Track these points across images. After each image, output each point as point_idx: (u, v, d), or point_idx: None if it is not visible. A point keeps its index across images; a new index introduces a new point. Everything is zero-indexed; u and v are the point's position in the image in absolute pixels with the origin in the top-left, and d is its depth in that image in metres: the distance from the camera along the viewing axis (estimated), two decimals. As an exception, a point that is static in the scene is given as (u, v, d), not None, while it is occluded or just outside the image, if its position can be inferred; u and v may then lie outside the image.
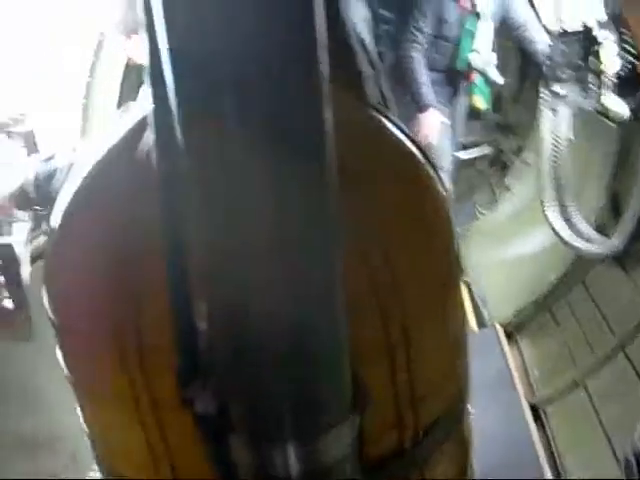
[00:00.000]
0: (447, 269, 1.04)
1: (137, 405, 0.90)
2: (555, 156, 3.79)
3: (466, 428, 1.15)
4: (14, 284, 2.50)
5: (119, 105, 3.83)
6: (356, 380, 0.81)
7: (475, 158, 6.21)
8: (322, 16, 0.61)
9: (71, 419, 1.07)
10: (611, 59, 3.01)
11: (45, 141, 2.98)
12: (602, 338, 3.37)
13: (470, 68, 4.40)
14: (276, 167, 0.64)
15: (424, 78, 4.30)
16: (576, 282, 3.80)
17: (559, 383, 3.46)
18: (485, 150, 6.13)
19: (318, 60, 0.62)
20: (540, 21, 4.22)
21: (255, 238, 0.65)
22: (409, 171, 1.02)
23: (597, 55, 3.07)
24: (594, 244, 3.55)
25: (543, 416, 3.47)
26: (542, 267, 4.13)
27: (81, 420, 1.03)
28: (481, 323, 4.24)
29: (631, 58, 2.96)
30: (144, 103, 0.80)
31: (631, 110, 3.22)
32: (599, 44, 3.05)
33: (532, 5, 4.41)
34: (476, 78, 4.47)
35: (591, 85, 3.16)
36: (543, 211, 3.87)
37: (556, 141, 3.75)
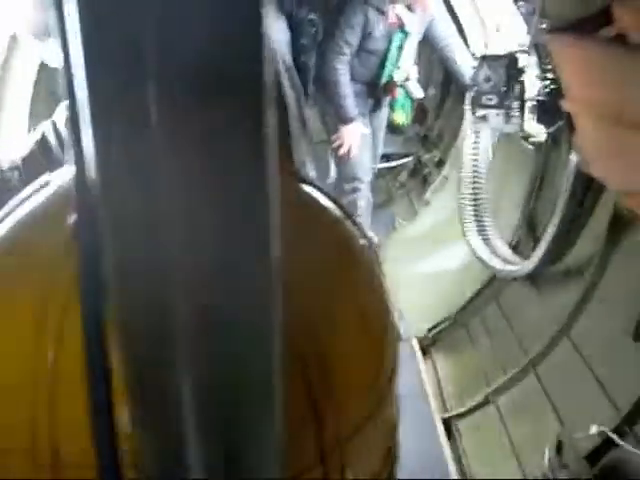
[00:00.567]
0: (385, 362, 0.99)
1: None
2: (475, 175, 3.85)
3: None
4: None
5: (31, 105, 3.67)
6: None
7: (395, 168, 6.28)
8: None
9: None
10: (532, 84, 3.08)
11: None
12: (514, 356, 3.45)
13: (393, 83, 4.45)
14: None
15: (348, 90, 4.31)
16: (490, 299, 3.88)
17: (471, 399, 3.51)
18: (406, 161, 6.21)
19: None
20: (467, 43, 4.31)
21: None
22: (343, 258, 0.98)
23: (520, 81, 3.13)
24: (509, 264, 3.62)
25: (455, 431, 3.51)
26: (458, 283, 4.20)
27: None
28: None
29: (552, 85, 3.04)
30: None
31: (549, 135, 3.31)
32: (522, 70, 3.12)
33: (460, 28, 4.49)
34: (398, 93, 4.52)
35: (514, 111, 3.23)
36: (462, 228, 3.93)
37: (476, 160, 3.81)
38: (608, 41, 1.96)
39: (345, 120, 4.35)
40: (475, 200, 3.87)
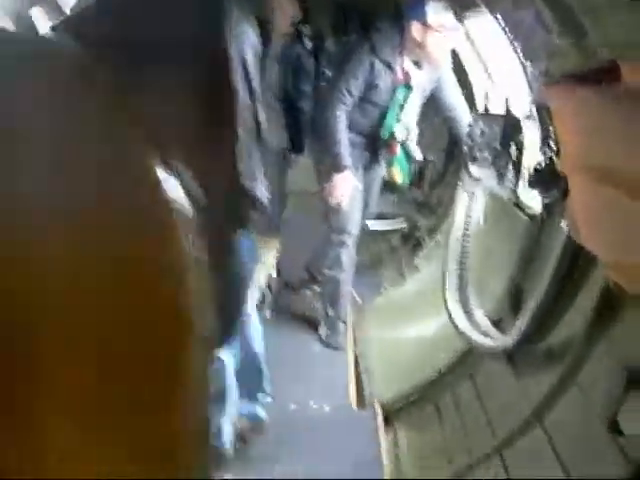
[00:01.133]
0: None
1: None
2: (464, 241, 3.66)
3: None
4: None
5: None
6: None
7: (389, 231, 6.11)
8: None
9: None
10: (531, 151, 2.91)
11: None
12: (482, 438, 3.19)
13: (393, 139, 4.31)
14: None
15: (344, 139, 4.16)
16: (464, 376, 3.63)
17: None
18: (400, 224, 6.04)
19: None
20: (474, 102, 4.18)
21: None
22: None
23: (518, 144, 2.96)
24: (488, 338, 3.39)
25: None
26: (433, 354, 3.95)
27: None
28: (361, 401, 4.00)
29: (551, 153, 2.86)
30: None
31: (544, 206, 3.12)
32: (520, 133, 2.95)
33: (465, 85, 4.38)
34: (398, 150, 4.37)
35: (508, 174, 3.05)
36: (443, 296, 3.71)
37: (467, 225, 3.62)
38: (602, 91, 1.80)
39: (338, 168, 4.19)
40: (460, 267, 3.66)
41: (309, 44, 4.78)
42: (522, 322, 3.00)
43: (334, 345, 4.57)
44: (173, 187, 0.83)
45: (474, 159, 3.15)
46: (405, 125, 4.29)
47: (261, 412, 3.45)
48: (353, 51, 4.23)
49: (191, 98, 1.01)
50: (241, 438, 3.38)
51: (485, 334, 3.45)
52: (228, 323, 1.17)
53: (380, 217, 6.26)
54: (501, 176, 3.06)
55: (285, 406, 3.80)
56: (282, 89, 4.67)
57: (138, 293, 0.75)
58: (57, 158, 0.72)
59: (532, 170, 2.95)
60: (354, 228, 4.46)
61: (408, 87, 4.24)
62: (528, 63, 3.01)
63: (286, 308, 5.02)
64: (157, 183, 0.80)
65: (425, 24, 4.00)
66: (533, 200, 3.27)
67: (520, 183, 3.04)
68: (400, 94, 4.23)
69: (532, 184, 2.97)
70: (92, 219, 0.72)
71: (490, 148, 3.06)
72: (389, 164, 4.50)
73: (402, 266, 5.49)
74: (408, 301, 4.84)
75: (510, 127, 3.01)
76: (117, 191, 0.75)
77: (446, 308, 3.68)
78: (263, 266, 3.38)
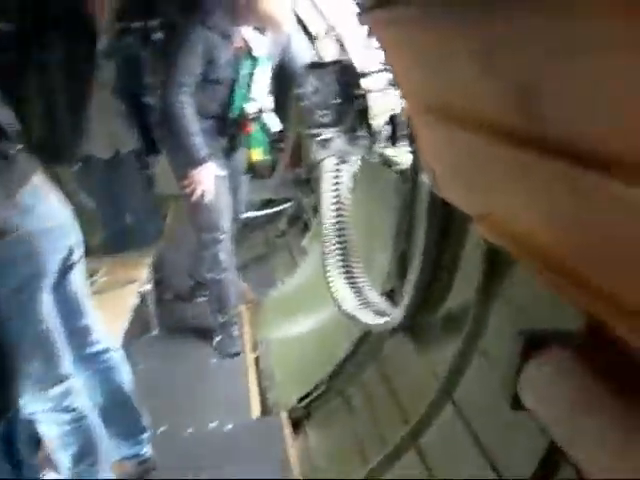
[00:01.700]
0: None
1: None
2: (338, 214, 3.28)
3: None
4: None
5: None
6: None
7: (276, 216, 5.73)
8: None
9: None
10: (379, 97, 2.54)
11: None
12: (394, 422, 2.85)
13: (245, 116, 3.87)
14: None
15: (195, 127, 3.68)
16: (366, 360, 3.27)
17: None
18: (283, 207, 5.66)
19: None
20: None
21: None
22: None
23: (360, 93, 2.57)
24: (381, 315, 3.04)
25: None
26: (333, 343, 3.58)
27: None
28: (265, 409, 3.59)
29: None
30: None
31: (415, 157, 2.73)
32: (359, 78, 2.56)
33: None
34: (253, 128, 3.94)
35: (358, 130, 2.66)
36: (326, 279, 3.33)
37: (338, 196, 3.24)
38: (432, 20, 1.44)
39: (194, 162, 3.73)
40: (340, 242, 3.29)
41: (139, 35, 4.36)
42: (408, 291, 2.66)
43: (231, 352, 4.14)
44: None
45: (316, 123, 2.74)
46: (256, 100, 3.87)
47: (146, 449, 3.02)
48: (183, 26, 3.77)
49: None
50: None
51: (377, 312, 3.11)
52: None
53: (267, 204, 5.89)
54: (352, 135, 2.67)
55: (180, 432, 3.37)
56: (125, 87, 4.21)
57: None
58: None
59: (388, 121, 2.59)
60: (225, 223, 4.00)
61: (253, 59, 3.81)
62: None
63: (181, 321, 4.59)
64: None
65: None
66: (400, 154, 2.92)
67: (377, 138, 2.66)
68: (245, 68, 3.79)
69: (391, 137, 2.61)
70: None
71: (328, 104, 2.66)
72: (248, 145, 4.05)
73: (292, 251, 5.11)
74: (303, 291, 4.45)
75: (346, 75, 2.61)
76: None
77: (330, 291, 3.31)
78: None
